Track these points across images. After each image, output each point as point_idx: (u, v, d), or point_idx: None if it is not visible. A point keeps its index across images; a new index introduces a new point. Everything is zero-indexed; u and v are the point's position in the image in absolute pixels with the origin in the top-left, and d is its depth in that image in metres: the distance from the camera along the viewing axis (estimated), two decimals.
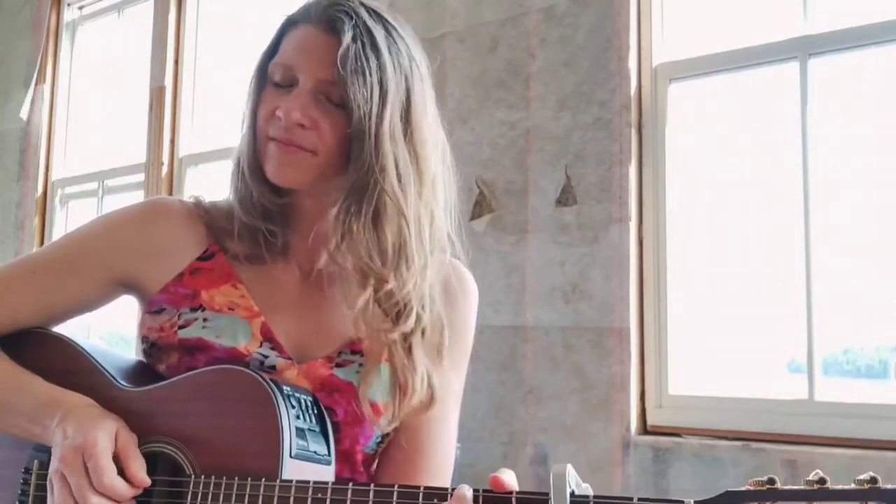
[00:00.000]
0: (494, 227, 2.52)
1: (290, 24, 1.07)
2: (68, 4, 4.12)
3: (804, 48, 2.19)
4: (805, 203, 2.13)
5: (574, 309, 2.35)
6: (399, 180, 1.01)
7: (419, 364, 1.05)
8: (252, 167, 1.06)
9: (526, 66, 2.53)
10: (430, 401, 1.06)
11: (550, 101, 2.47)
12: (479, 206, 2.55)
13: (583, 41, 2.43)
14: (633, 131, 2.34)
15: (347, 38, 0.99)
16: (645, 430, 2.28)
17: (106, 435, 0.95)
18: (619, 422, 2.25)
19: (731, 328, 2.35)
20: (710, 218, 2.39)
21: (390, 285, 1.02)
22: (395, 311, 1.03)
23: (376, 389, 1.05)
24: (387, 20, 1.05)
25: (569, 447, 2.31)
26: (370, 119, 0.99)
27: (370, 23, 1.02)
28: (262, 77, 1.07)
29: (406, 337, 1.05)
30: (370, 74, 0.99)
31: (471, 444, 2.42)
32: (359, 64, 0.99)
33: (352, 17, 1.01)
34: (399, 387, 1.05)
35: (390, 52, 1.02)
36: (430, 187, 1.06)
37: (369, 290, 1.02)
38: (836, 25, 2.17)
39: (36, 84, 4.04)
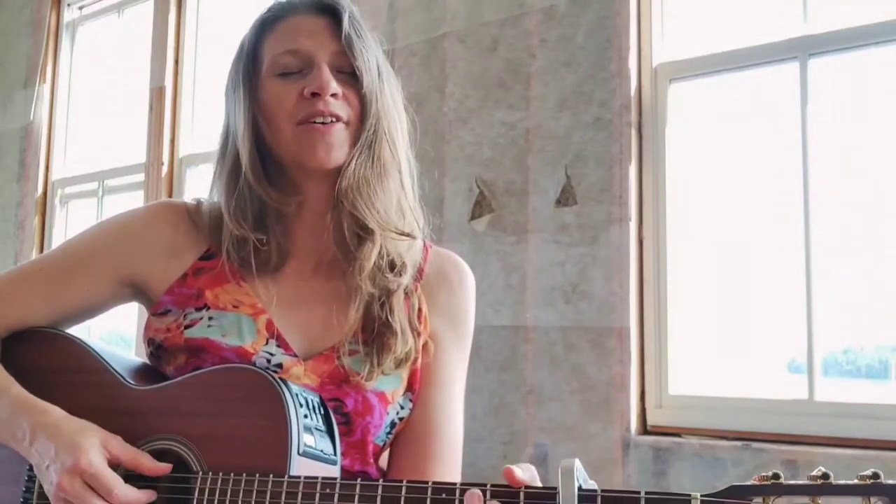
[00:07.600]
0: (494, 227, 2.52)
1: (271, 21, 1.13)
2: (68, 4, 4.12)
3: (804, 48, 2.19)
4: (805, 203, 2.13)
5: (574, 309, 2.35)
6: (396, 133, 1.10)
7: (398, 321, 1.08)
8: (256, 172, 1.08)
9: (526, 66, 2.53)
10: (405, 358, 1.09)
11: (550, 101, 2.46)
12: (479, 206, 2.55)
13: (583, 41, 2.43)
14: (633, 131, 2.34)
15: (346, 13, 1.08)
16: (645, 430, 2.28)
17: (95, 450, 0.96)
18: (620, 422, 2.25)
19: (731, 328, 2.35)
20: (710, 218, 2.38)
21: (395, 236, 1.08)
22: (394, 264, 1.10)
23: (355, 351, 1.07)
24: None
25: (569, 447, 2.31)
26: (374, 82, 1.08)
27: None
28: (251, 78, 1.10)
29: (390, 293, 1.09)
30: (366, 40, 1.09)
31: (471, 444, 2.41)
32: (358, 33, 1.08)
33: None
34: (377, 344, 1.07)
35: (363, 23, 1.12)
36: (406, 139, 1.14)
37: (378, 243, 1.07)
38: (836, 25, 2.16)
39: (36, 84, 4.04)
